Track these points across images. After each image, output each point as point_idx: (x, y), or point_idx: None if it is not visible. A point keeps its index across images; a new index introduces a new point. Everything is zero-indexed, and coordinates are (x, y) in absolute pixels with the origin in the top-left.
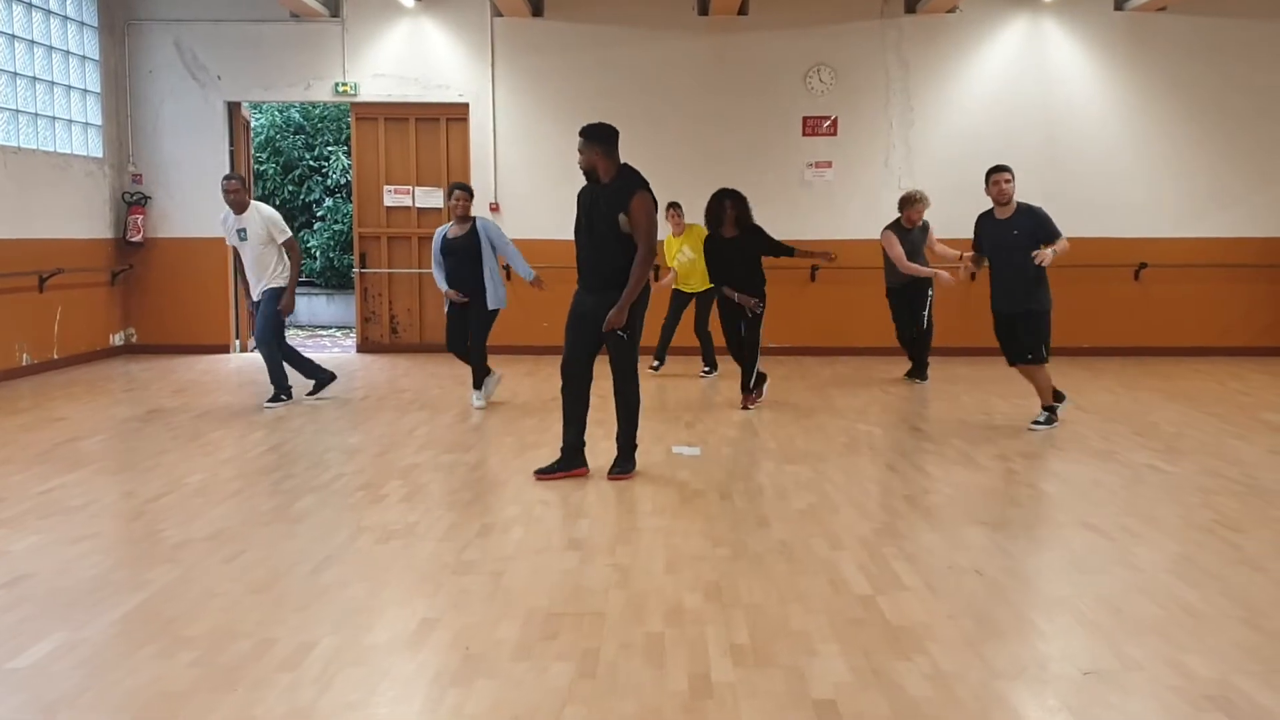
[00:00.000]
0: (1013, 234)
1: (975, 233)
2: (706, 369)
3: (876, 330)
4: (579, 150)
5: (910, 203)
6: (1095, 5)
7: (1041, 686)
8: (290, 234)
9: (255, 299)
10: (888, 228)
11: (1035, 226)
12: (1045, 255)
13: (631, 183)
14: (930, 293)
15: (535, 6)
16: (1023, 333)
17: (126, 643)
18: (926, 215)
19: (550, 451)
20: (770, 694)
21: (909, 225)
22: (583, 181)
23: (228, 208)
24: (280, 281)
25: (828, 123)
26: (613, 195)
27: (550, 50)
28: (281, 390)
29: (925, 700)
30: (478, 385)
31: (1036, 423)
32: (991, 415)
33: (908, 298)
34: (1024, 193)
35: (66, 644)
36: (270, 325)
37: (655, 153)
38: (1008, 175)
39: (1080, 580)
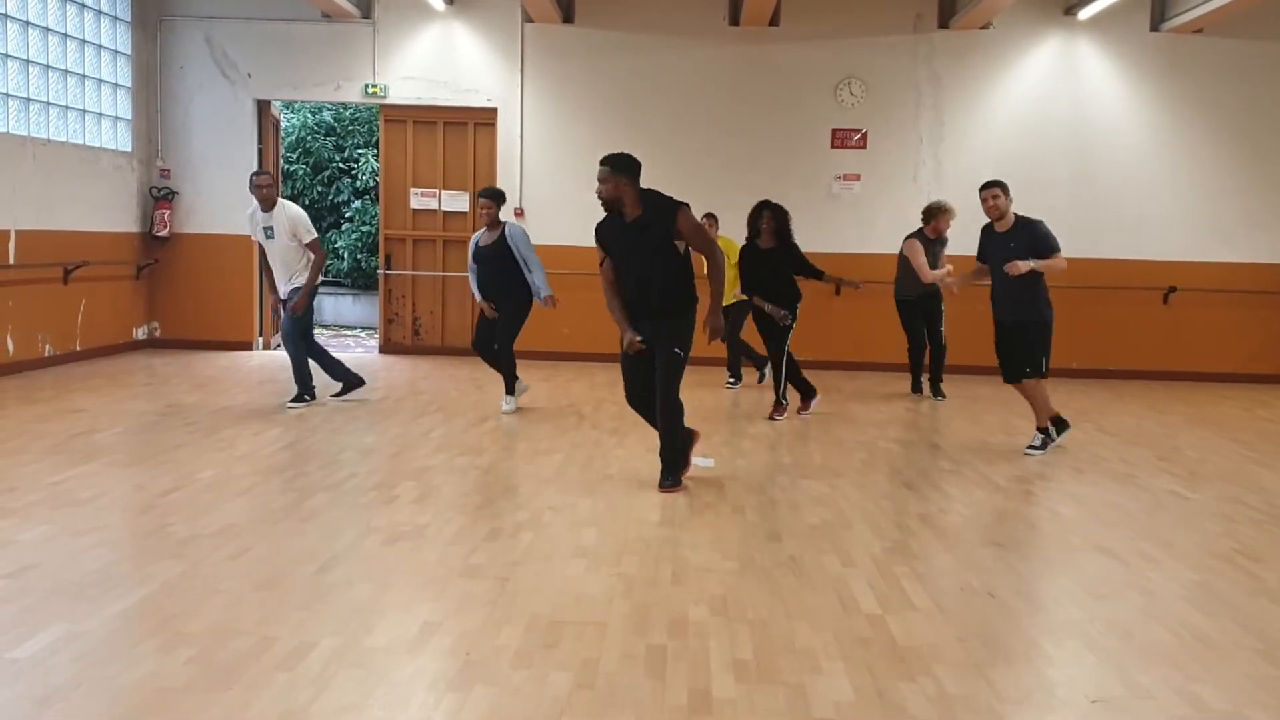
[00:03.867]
0: (1009, 247)
1: (980, 243)
2: (731, 380)
3: (902, 345)
4: (601, 180)
5: (940, 212)
6: (1130, 25)
7: (1048, 713)
8: (315, 235)
9: (283, 296)
10: (910, 236)
11: (1032, 240)
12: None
13: (668, 205)
14: (943, 307)
15: (566, 12)
16: (1021, 345)
17: (126, 637)
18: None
19: (565, 457)
20: (771, 711)
21: (933, 235)
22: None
23: (255, 203)
24: (299, 283)
25: (857, 136)
26: (654, 228)
27: (580, 57)
28: (305, 390)
29: None
30: (510, 390)
31: (1032, 447)
32: (1013, 436)
33: (922, 311)
34: (1054, 210)
35: (66, 636)
36: (297, 324)
37: (683, 162)
38: (995, 191)
39: (1092, 605)
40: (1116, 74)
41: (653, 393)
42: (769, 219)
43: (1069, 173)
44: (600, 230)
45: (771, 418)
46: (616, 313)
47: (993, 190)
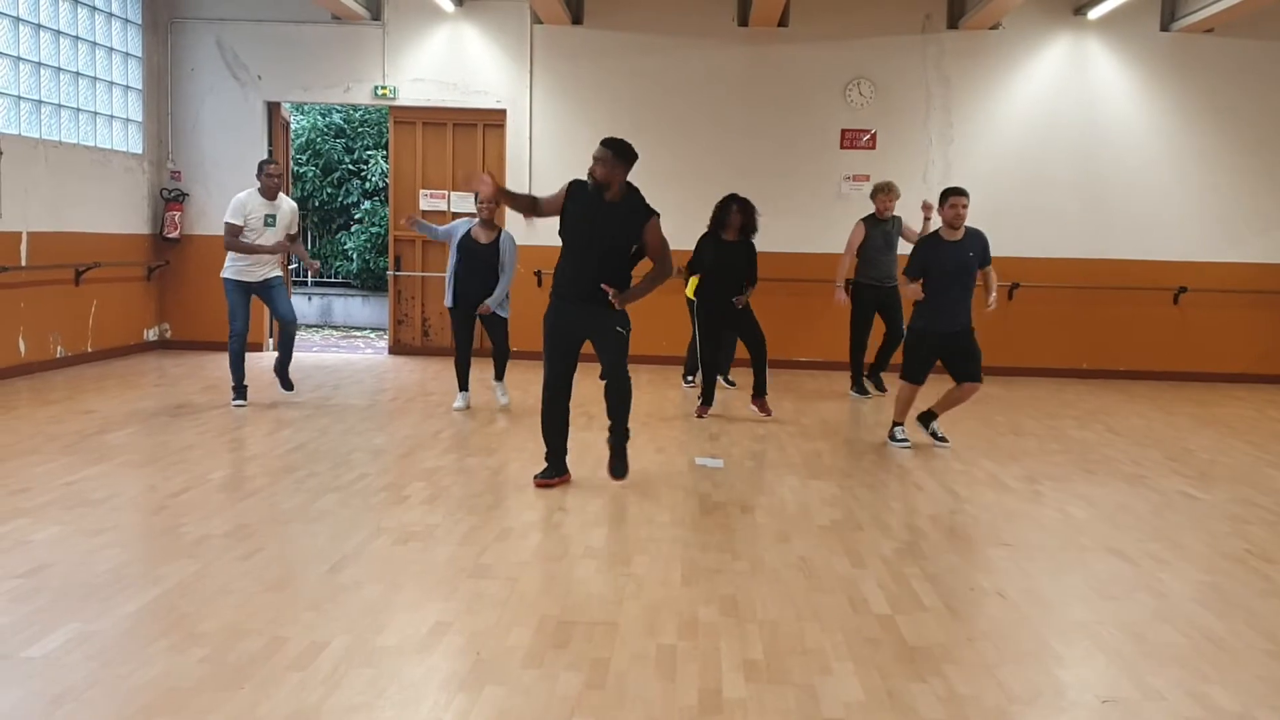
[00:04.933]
0: (968, 255)
1: (918, 258)
2: (728, 381)
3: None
4: (598, 159)
5: (879, 191)
6: (1140, 25)
7: (1058, 714)
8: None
9: (258, 280)
10: (862, 219)
11: (983, 248)
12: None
13: (645, 208)
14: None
15: (575, 14)
16: (974, 349)
17: (138, 637)
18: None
19: (574, 457)
20: (781, 712)
21: (880, 217)
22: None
23: (255, 192)
24: (279, 270)
25: (866, 136)
26: (626, 217)
27: (589, 58)
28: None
29: None
30: (499, 376)
31: (939, 439)
32: (1022, 436)
33: (881, 299)
34: (1064, 211)
35: (79, 636)
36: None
37: (691, 163)
38: (965, 200)
39: (1103, 606)
40: (1126, 74)
41: (566, 377)
42: (737, 212)
43: (1078, 173)
44: (575, 189)
45: (764, 414)
46: (519, 201)
47: (963, 198)
